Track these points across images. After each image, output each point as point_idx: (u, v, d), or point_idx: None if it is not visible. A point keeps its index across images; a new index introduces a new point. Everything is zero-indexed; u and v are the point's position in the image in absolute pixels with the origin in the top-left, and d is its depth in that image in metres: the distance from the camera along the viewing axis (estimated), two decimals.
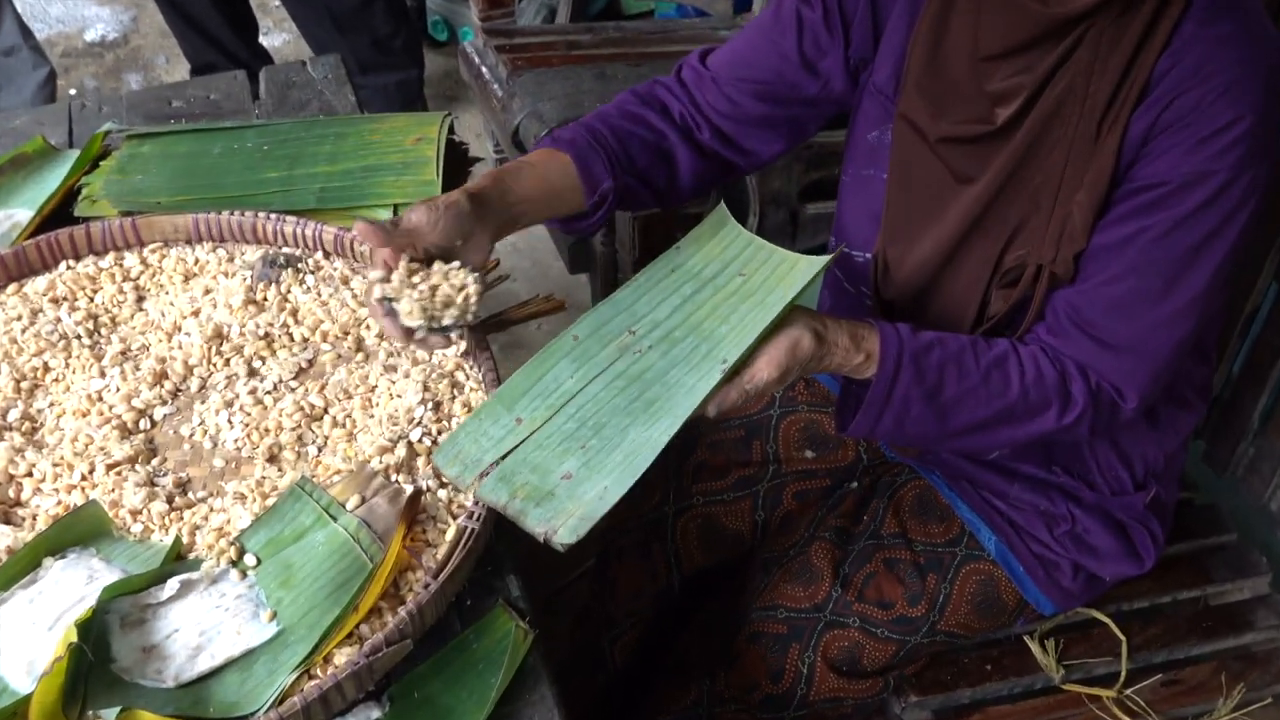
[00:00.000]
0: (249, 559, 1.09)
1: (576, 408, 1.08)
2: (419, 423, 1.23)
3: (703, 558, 1.59)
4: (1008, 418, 1.21)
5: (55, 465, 1.18)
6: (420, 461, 1.20)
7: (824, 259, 1.18)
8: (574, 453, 1.04)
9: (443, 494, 1.16)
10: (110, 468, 1.18)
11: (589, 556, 2.37)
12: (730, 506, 1.58)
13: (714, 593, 1.61)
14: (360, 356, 1.34)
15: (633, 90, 1.40)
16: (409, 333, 1.14)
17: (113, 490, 1.15)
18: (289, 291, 1.41)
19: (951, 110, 1.22)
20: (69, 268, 1.44)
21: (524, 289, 3.07)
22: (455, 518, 1.14)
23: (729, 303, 1.16)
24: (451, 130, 1.70)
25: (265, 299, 1.40)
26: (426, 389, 1.27)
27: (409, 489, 1.14)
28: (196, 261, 1.45)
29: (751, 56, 1.35)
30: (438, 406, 1.25)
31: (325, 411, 1.26)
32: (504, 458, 1.06)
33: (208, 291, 1.41)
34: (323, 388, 1.28)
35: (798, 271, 1.18)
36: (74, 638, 0.95)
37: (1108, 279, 1.15)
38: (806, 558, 1.48)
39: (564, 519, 1.01)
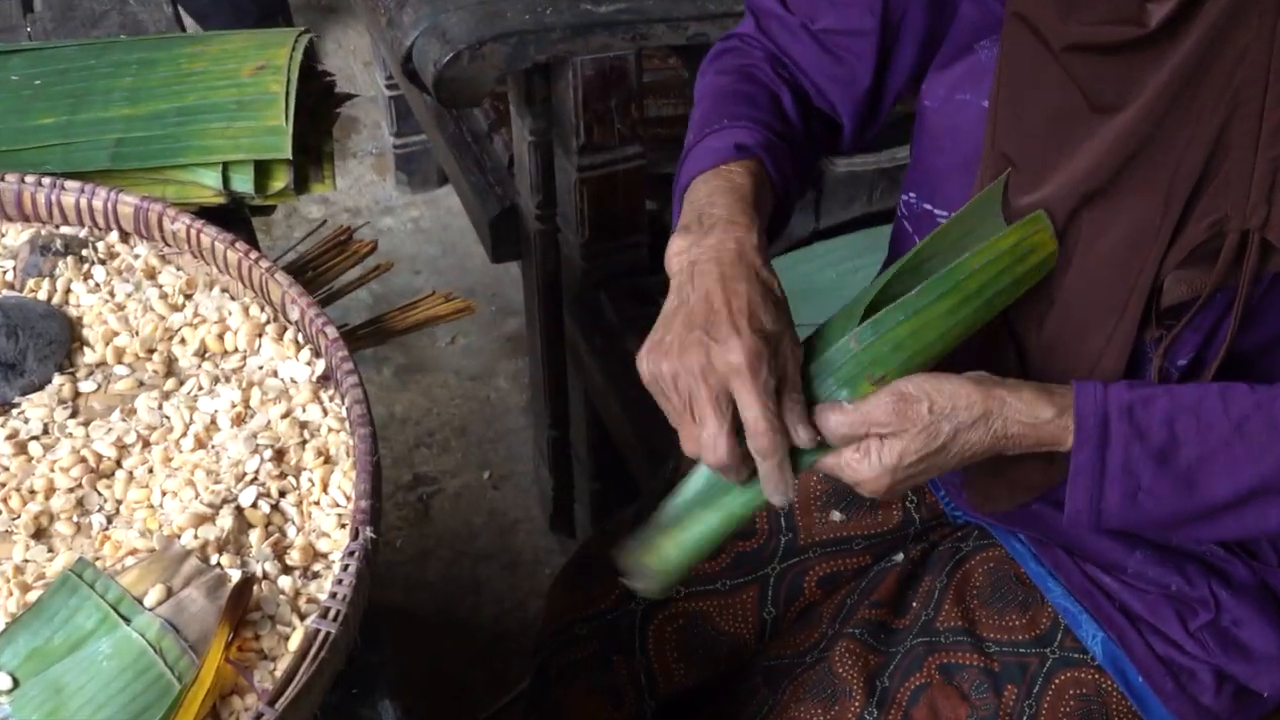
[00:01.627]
0: (2, 679, 1.08)
1: None
2: (253, 479, 1.23)
3: (686, 675, 1.59)
4: None
5: None
6: (254, 536, 1.20)
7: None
8: None
9: (285, 582, 1.16)
10: None
11: (518, 677, 2.40)
12: (726, 600, 1.59)
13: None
14: (170, 383, 1.34)
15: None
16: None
17: None
18: (69, 290, 1.41)
19: (1085, 4, 1.22)
20: None
21: (435, 285, 3.09)
22: (303, 617, 1.14)
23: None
24: (313, 55, 1.69)
25: (34, 299, 1.39)
26: (266, 430, 1.27)
27: (235, 575, 1.14)
28: None
29: None
30: (280, 456, 1.25)
31: (118, 465, 1.26)
32: None
33: None
34: (113, 431, 1.28)
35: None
36: None
37: None
38: (828, 665, 1.48)
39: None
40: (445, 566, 2.72)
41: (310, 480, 1.24)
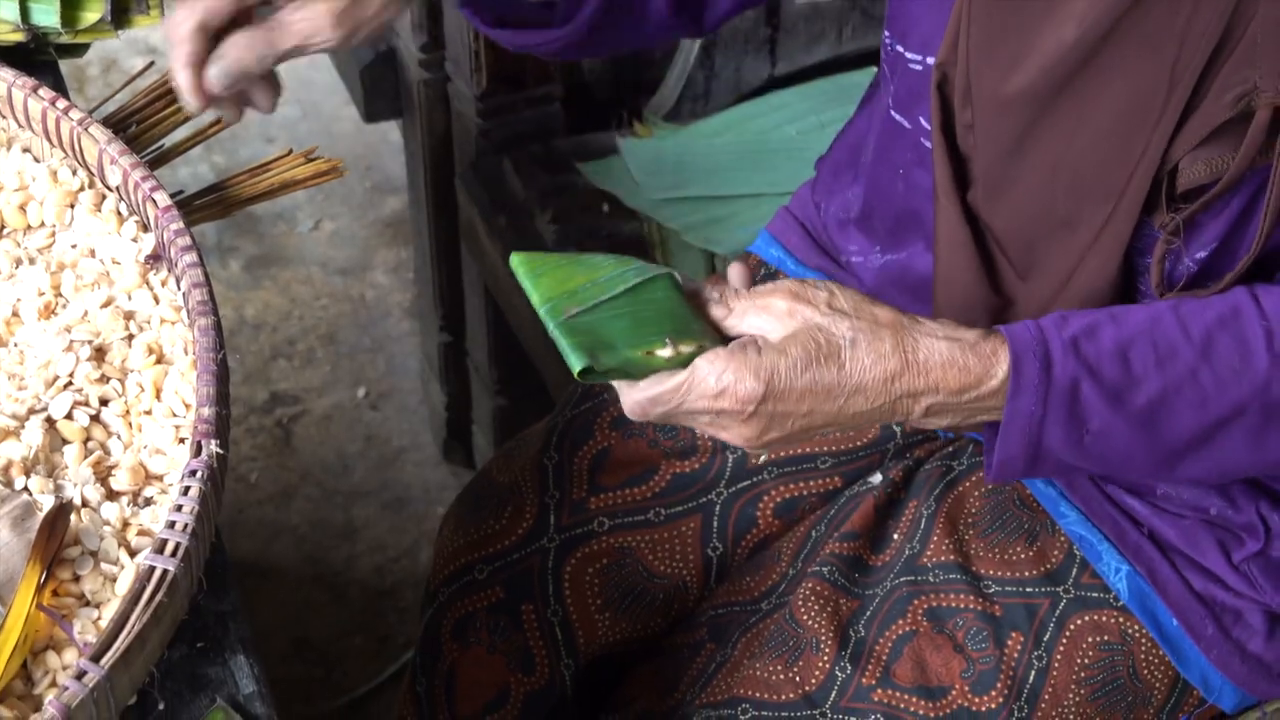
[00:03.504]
0: None
1: None
2: (67, 384, 1.23)
3: (612, 628, 1.61)
4: (1268, 410, 1.23)
5: None
6: (69, 454, 1.19)
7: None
8: None
9: (110, 510, 1.16)
10: None
11: (406, 643, 2.40)
12: (661, 533, 1.60)
13: (628, 684, 1.61)
14: None
15: None
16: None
17: None
18: None
19: None
20: None
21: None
22: (134, 553, 1.14)
23: None
24: None
25: None
26: (82, 323, 1.26)
27: (48, 503, 1.14)
28: None
29: None
30: (101, 355, 1.24)
31: None
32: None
33: None
34: None
35: None
36: None
37: None
38: (789, 612, 1.50)
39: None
40: (313, 507, 2.73)
41: (139, 385, 1.23)
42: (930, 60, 1.39)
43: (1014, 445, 1.24)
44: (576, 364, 1.17)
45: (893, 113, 1.48)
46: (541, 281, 1.24)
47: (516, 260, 1.26)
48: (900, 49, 1.44)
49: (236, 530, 2.64)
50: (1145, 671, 1.47)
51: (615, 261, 1.29)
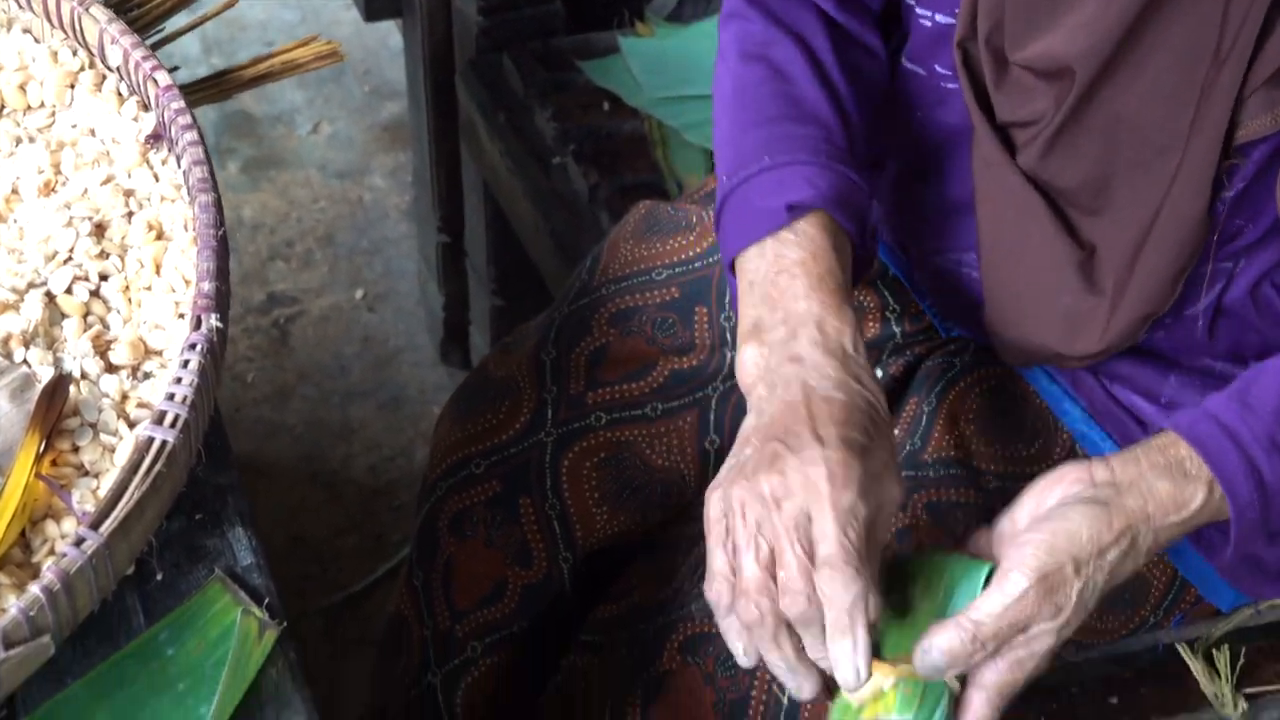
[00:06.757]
0: None
1: None
2: (66, 260, 1.23)
3: (610, 521, 1.61)
4: None
5: None
6: (69, 328, 1.20)
7: None
8: None
9: (109, 383, 1.16)
10: None
11: (401, 541, 2.40)
12: (659, 427, 1.60)
13: (626, 576, 1.62)
14: None
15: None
16: None
17: None
18: None
19: None
20: None
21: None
22: (133, 425, 1.14)
23: None
24: None
25: None
26: (82, 200, 1.27)
27: (46, 373, 1.14)
28: None
29: None
30: (100, 231, 1.25)
31: None
32: None
33: None
34: None
35: None
36: None
37: None
38: None
39: None
40: (310, 407, 2.73)
41: (139, 261, 1.24)
42: (940, 18, 1.39)
43: (1249, 545, 1.25)
44: None
45: (905, 61, 1.47)
46: None
47: None
48: (910, 1, 1.43)
49: (233, 429, 2.61)
50: (1145, 570, 1.47)
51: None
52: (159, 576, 1.10)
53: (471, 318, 2.68)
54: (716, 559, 1.19)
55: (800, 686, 1.19)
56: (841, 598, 1.14)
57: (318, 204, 3.04)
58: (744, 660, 1.20)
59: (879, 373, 1.58)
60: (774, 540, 1.16)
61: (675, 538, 1.58)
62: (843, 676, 1.16)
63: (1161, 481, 1.21)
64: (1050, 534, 1.19)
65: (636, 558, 1.63)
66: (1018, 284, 1.42)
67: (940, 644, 1.15)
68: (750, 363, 1.28)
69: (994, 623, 1.16)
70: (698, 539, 1.54)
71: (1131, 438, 1.46)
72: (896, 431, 1.52)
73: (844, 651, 1.15)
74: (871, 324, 1.61)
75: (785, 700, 1.43)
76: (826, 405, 1.21)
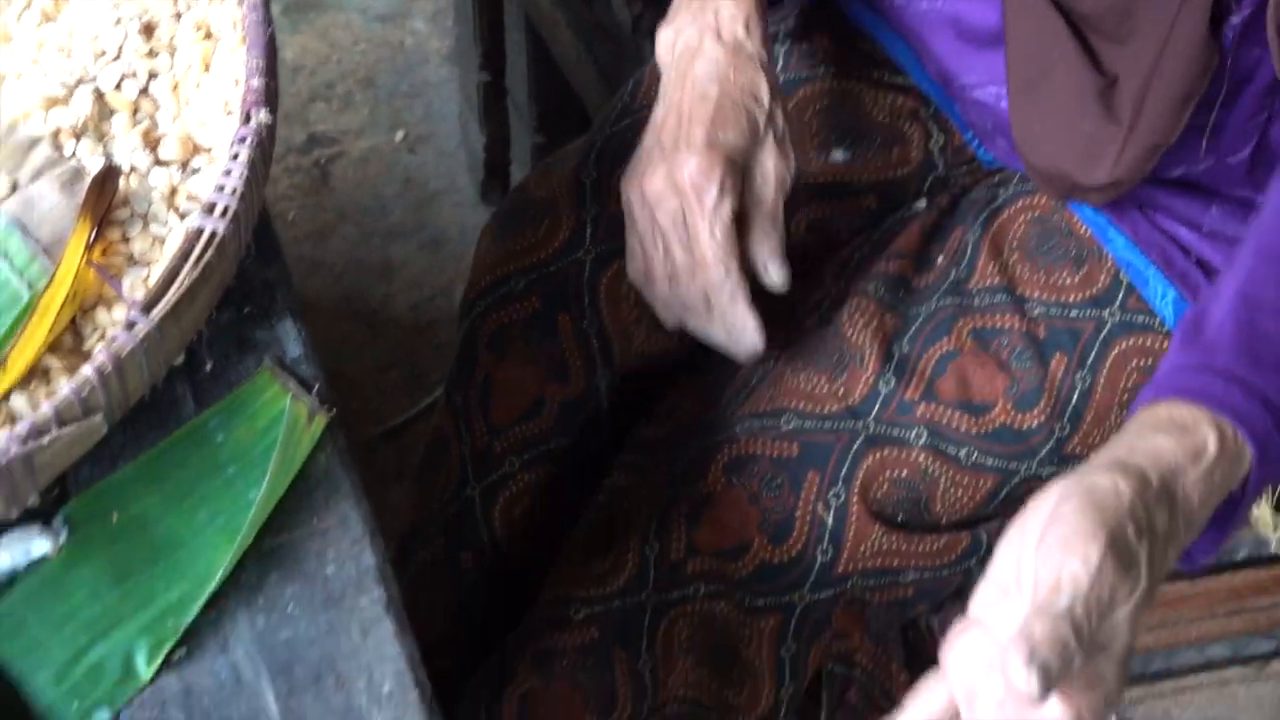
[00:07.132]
0: None
1: None
2: (115, 58, 1.23)
3: (648, 340, 1.62)
4: None
5: None
6: (118, 123, 1.20)
7: None
8: None
9: (159, 176, 1.17)
10: None
11: (440, 378, 2.41)
12: None
13: (668, 399, 1.63)
14: None
15: None
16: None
17: None
18: None
19: None
20: None
21: None
22: (183, 216, 1.15)
23: None
24: None
25: None
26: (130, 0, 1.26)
27: (96, 166, 1.14)
28: None
29: None
30: (149, 31, 1.25)
31: None
32: None
33: None
34: None
35: None
36: None
37: None
38: (834, 328, 1.50)
39: None
40: (350, 247, 2.73)
41: (188, 62, 1.24)
42: None
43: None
44: None
45: None
46: None
47: None
48: None
49: None
50: None
51: None
52: (209, 366, 1.12)
53: (513, 155, 2.68)
54: (630, 243, 1.41)
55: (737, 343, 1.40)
56: (718, 291, 1.36)
57: (358, 46, 3.03)
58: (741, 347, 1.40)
59: (924, 202, 1.59)
60: (664, 236, 1.37)
61: (719, 359, 1.58)
62: (749, 341, 1.39)
63: (1160, 438, 1.13)
64: (1070, 488, 1.07)
65: (677, 380, 1.63)
66: (1041, 111, 1.43)
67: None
68: (662, 46, 1.42)
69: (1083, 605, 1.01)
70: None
71: (1174, 265, 1.47)
72: (941, 259, 1.53)
73: (736, 324, 1.38)
74: (914, 151, 1.62)
75: (830, 520, 1.46)
76: (702, 104, 1.36)
